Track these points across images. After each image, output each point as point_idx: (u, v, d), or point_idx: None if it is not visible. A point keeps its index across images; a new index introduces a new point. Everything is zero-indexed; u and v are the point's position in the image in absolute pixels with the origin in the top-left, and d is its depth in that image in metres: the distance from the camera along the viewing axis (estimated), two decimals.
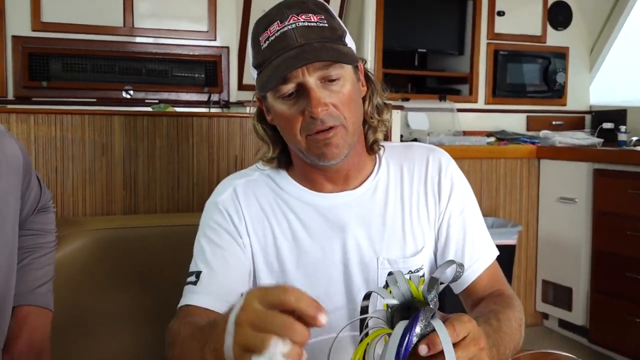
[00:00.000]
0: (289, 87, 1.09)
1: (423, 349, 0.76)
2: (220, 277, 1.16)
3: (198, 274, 1.17)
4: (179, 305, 1.16)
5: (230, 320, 0.73)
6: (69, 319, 1.51)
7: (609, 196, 3.36)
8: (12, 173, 1.15)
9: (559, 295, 3.68)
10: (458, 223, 1.26)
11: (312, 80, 1.08)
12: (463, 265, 0.85)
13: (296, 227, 1.22)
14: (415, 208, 1.25)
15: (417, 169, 1.27)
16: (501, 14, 4.23)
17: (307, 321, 0.70)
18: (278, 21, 1.09)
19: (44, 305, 1.31)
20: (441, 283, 0.82)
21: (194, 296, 1.15)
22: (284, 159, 1.26)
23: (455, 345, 0.79)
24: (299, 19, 1.08)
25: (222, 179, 1.31)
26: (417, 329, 0.76)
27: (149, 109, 2.94)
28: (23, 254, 1.31)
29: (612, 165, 3.36)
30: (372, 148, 1.26)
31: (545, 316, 3.88)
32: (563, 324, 3.74)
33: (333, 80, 1.10)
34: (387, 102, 1.26)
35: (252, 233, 1.22)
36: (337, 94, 1.11)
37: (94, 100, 3.41)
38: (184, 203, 2.07)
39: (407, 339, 0.75)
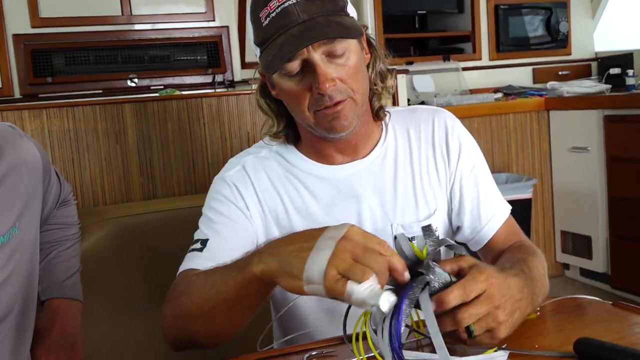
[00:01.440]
0: (295, 65, 1.08)
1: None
2: (229, 245, 1.14)
3: (204, 241, 1.15)
4: (179, 270, 1.13)
5: (328, 242, 0.78)
6: (98, 308, 1.53)
7: (621, 142, 3.34)
8: (33, 174, 1.16)
9: (578, 244, 3.69)
10: (470, 182, 1.26)
11: (317, 56, 1.07)
12: (435, 234, 0.90)
13: (309, 201, 1.21)
14: (425, 170, 1.25)
15: (423, 131, 1.27)
16: None
17: (394, 275, 0.79)
18: None
19: (74, 297, 1.33)
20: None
21: (199, 261, 1.11)
22: (291, 134, 1.25)
23: (467, 303, 0.84)
24: None
25: None
26: (413, 295, 0.82)
27: (155, 95, 2.95)
28: (49, 248, 1.32)
29: (622, 110, 3.33)
30: (378, 115, 1.25)
31: (566, 266, 3.89)
32: (584, 272, 3.75)
33: (338, 54, 1.08)
34: (391, 67, 1.25)
35: (265, 205, 1.21)
36: (344, 67, 1.09)
37: (100, 91, 3.41)
38: (200, 184, 2.08)
39: (400, 311, 0.79)
